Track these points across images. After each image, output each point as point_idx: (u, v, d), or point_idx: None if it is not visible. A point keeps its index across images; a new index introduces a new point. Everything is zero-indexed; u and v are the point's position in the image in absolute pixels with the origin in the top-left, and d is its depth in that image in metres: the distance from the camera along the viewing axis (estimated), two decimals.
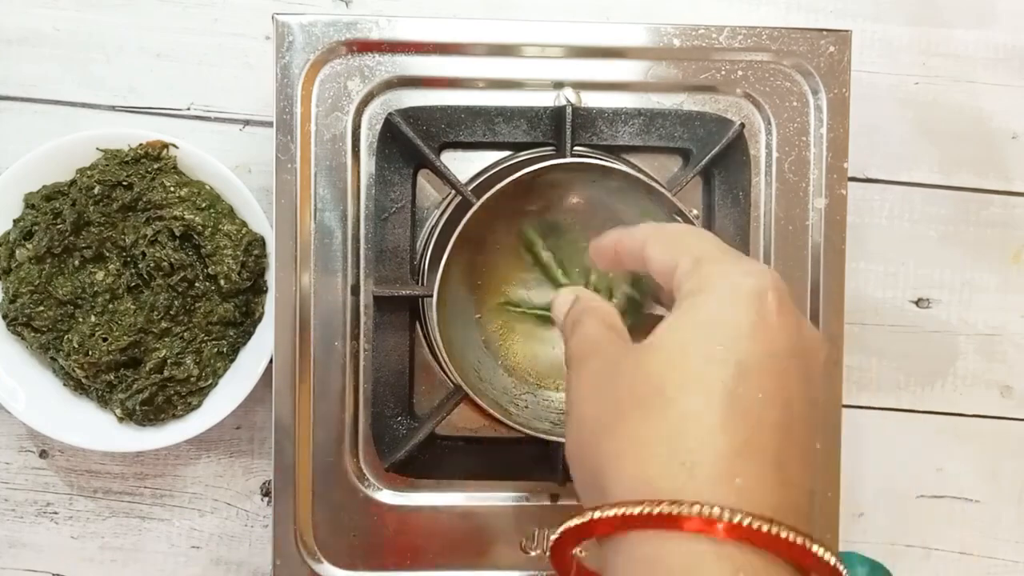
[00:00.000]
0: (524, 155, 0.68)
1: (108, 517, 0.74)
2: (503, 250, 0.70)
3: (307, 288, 0.66)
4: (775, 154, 0.69)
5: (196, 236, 0.68)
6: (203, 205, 0.69)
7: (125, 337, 0.68)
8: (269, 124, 0.66)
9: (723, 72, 0.68)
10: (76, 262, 0.69)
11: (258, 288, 0.71)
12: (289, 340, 0.65)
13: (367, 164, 0.67)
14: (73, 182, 0.69)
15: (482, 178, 0.67)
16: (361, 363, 0.67)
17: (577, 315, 0.47)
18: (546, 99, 0.68)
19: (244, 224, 0.70)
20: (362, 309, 0.66)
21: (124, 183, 0.68)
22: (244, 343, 0.71)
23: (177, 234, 0.68)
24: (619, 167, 0.64)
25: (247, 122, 0.74)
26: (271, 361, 0.66)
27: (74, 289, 0.69)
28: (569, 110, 0.66)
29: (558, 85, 0.68)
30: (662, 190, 0.62)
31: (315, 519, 0.66)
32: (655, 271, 0.45)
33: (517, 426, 0.62)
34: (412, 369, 0.68)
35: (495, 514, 0.68)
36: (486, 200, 0.61)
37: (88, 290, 0.69)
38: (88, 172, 0.69)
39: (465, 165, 0.68)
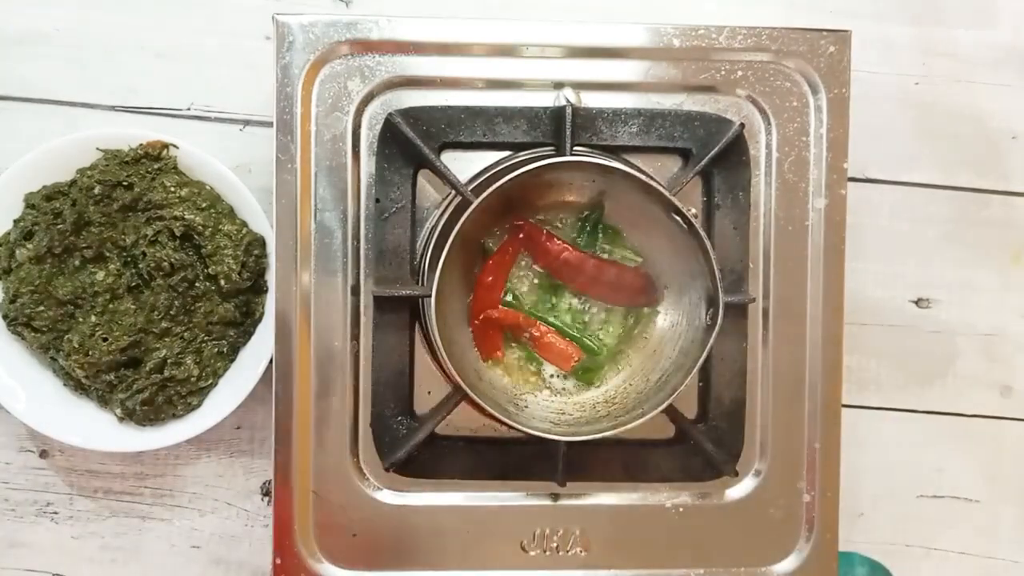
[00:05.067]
0: (524, 155, 0.68)
1: (108, 517, 0.74)
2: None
3: (307, 288, 0.66)
4: (775, 154, 0.69)
5: (196, 236, 0.68)
6: (203, 205, 0.69)
7: (125, 337, 0.68)
8: (269, 124, 0.66)
9: (723, 72, 0.68)
10: (76, 262, 0.69)
11: (258, 288, 0.71)
12: (289, 340, 0.65)
13: (367, 164, 0.67)
14: (73, 182, 0.69)
15: (482, 178, 0.67)
16: (361, 363, 0.67)
17: None
18: (546, 99, 0.68)
19: (244, 224, 0.70)
20: (362, 309, 0.66)
21: (124, 183, 0.68)
22: (244, 343, 0.71)
23: (177, 234, 0.68)
24: (619, 167, 0.64)
25: (247, 122, 0.74)
26: (271, 361, 0.66)
27: (74, 289, 0.69)
28: (569, 110, 0.66)
29: (558, 85, 0.68)
30: (661, 190, 0.62)
31: (315, 519, 0.66)
32: None
33: (517, 426, 0.62)
34: (412, 369, 0.68)
35: (495, 514, 0.68)
36: (486, 200, 0.61)
37: (88, 290, 0.69)
38: (88, 172, 0.69)
39: (465, 165, 0.68)
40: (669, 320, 0.69)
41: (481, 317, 0.68)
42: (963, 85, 0.78)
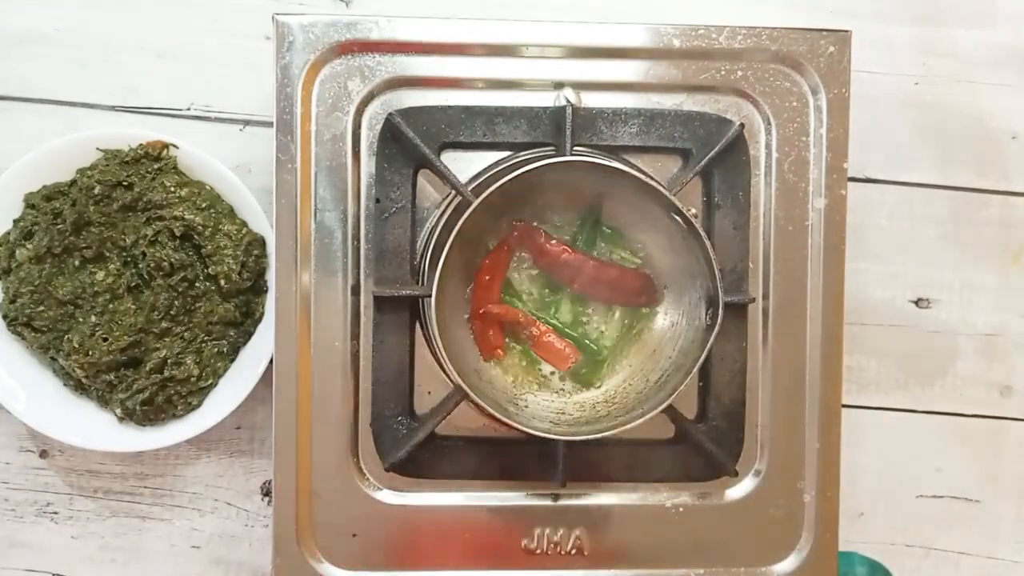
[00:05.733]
0: (524, 155, 0.68)
1: (108, 517, 0.74)
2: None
3: (307, 288, 0.66)
4: (775, 154, 0.69)
5: (196, 236, 0.68)
6: (203, 205, 0.69)
7: (125, 337, 0.68)
8: (269, 124, 0.66)
9: (723, 72, 0.68)
10: (76, 262, 0.69)
11: (258, 288, 0.71)
12: (289, 340, 0.65)
13: (367, 164, 0.67)
14: (73, 182, 0.69)
15: (482, 178, 0.67)
16: (361, 363, 0.67)
17: None
18: (546, 99, 0.68)
19: (244, 224, 0.70)
20: (362, 309, 0.66)
21: (124, 183, 0.68)
22: (244, 343, 0.71)
23: (177, 234, 0.68)
24: (619, 167, 0.64)
25: (247, 122, 0.74)
26: (271, 361, 0.66)
27: (74, 289, 0.69)
28: (569, 110, 0.66)
29: (558, 85, 0.68)
30: (661, 190, 0.62)
31: (315, 519, 0.66)
32: None
33: (517, 426, 0.62)
34: (412, 369, 0.68)
35: (495, 514, 0.68)
36: (486, 200, 0.61)
37: (88, 290, 0.69)
38: (88, 172, 0.69)
39: (465, 165, 0.68)
40: (669, 320, 0.69)
41: (481, 312, 0.68)
42: (963, 85, 0.78)
